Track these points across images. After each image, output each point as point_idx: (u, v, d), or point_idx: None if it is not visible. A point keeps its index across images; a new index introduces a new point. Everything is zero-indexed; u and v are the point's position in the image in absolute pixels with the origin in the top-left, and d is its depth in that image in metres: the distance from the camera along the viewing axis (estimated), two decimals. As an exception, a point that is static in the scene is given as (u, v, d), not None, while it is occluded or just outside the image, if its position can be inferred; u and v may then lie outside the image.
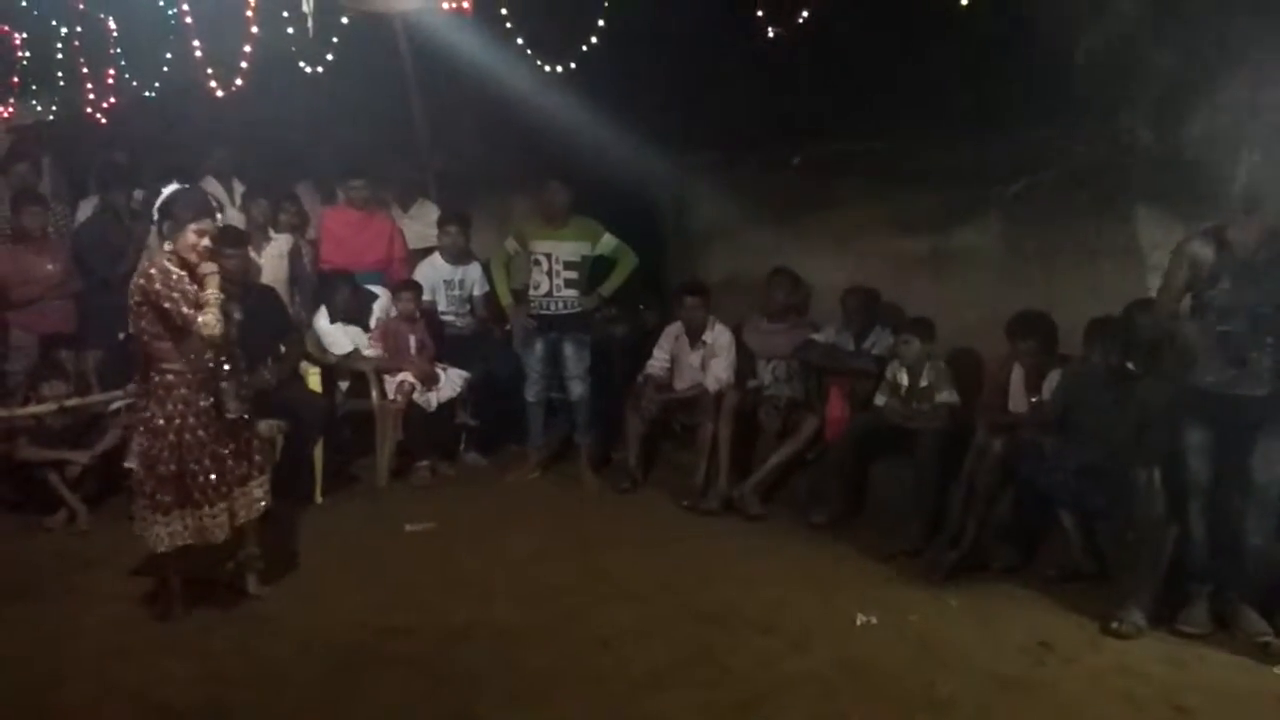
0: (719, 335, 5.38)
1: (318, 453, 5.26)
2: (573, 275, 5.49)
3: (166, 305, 3.51)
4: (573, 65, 5.41)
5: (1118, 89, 4.24)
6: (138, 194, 6.08)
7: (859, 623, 3.75)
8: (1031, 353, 4.45)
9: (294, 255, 5.92)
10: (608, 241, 5.57)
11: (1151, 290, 4.39)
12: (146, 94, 6.17)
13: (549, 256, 5.50)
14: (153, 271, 3.57)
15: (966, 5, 3.90)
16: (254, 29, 5.30)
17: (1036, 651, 3.48)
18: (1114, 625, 3.62)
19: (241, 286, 5.18)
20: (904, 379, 4.90)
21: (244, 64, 5.49)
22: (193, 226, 3.55)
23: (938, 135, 4.86)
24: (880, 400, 4.97)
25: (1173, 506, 3.67)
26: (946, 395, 4.76)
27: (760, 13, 4.25)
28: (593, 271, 5.60)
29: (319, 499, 5.25)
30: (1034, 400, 4.43)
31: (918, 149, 4.99)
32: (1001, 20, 4.20)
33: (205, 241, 3.55)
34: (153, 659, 3.45)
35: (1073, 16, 4.30)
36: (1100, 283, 4.61)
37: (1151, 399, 3.84)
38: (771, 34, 4.33)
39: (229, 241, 5.15)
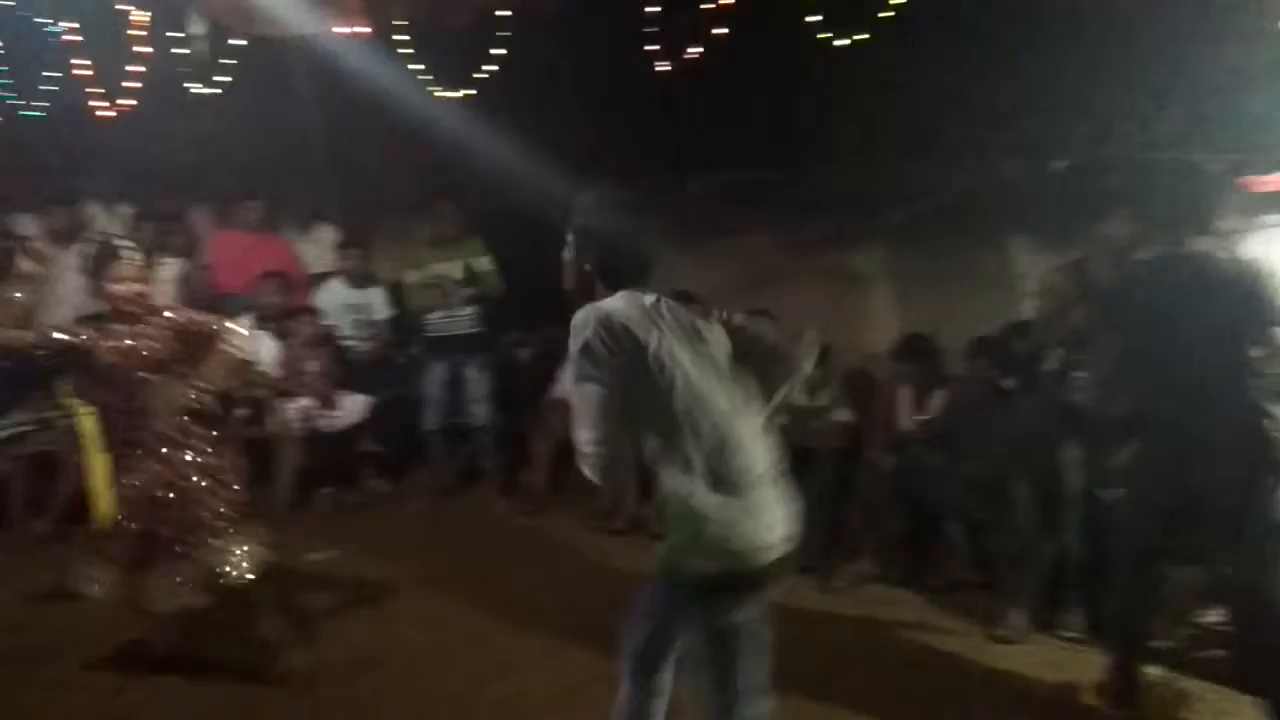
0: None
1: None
2: (468, 293, 5.54)
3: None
4: (472, 91, 5.45)
5: (986, 126, 4.52)
6: (18, 219, 5.86)
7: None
8: (916, 374, 4.66)
9: (185, 280, 5.79)
10: (484, 262, 5.70)
11: (1026, 312, 4.70)
12: (30, 114, 5.94)
13: (443, 278, 5.53)
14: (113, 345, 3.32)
15: (850, 45, 4.11)
16: (142, 49, 5.19)
17: (924, 658, 3.65)
18: (999, 632, 3.81)
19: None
20: (802, 399, 5.05)
21: (133, 84, 5.36)
22: (111, 281, 3.32)
23: (828, 166, 5.08)
24: (780, 420, 5.09)
25: (1048, 518, 3.90)
26: (842, 414, 4.94)
27: (654, 47, 4.39)
28: None
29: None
30: (920, 419, 4.64)
31: (810, 179, 5.19)
32: (885, 60, 4.43)
33: (130, 285, 3.31)
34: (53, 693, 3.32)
35: (943, 59, 4.56)
36: (981, 306, 4.87)
37: (1026, 415, 4.08)
38: (660, 68, 4.48)
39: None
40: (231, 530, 3.38)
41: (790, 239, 5.55)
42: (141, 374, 3.30)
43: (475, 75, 5.26)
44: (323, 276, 6.18)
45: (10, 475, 4.94)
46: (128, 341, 3.30)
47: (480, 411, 5.60)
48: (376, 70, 5.63)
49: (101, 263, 3.33)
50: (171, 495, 3.30)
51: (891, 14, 4.22)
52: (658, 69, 4.39)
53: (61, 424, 5.14)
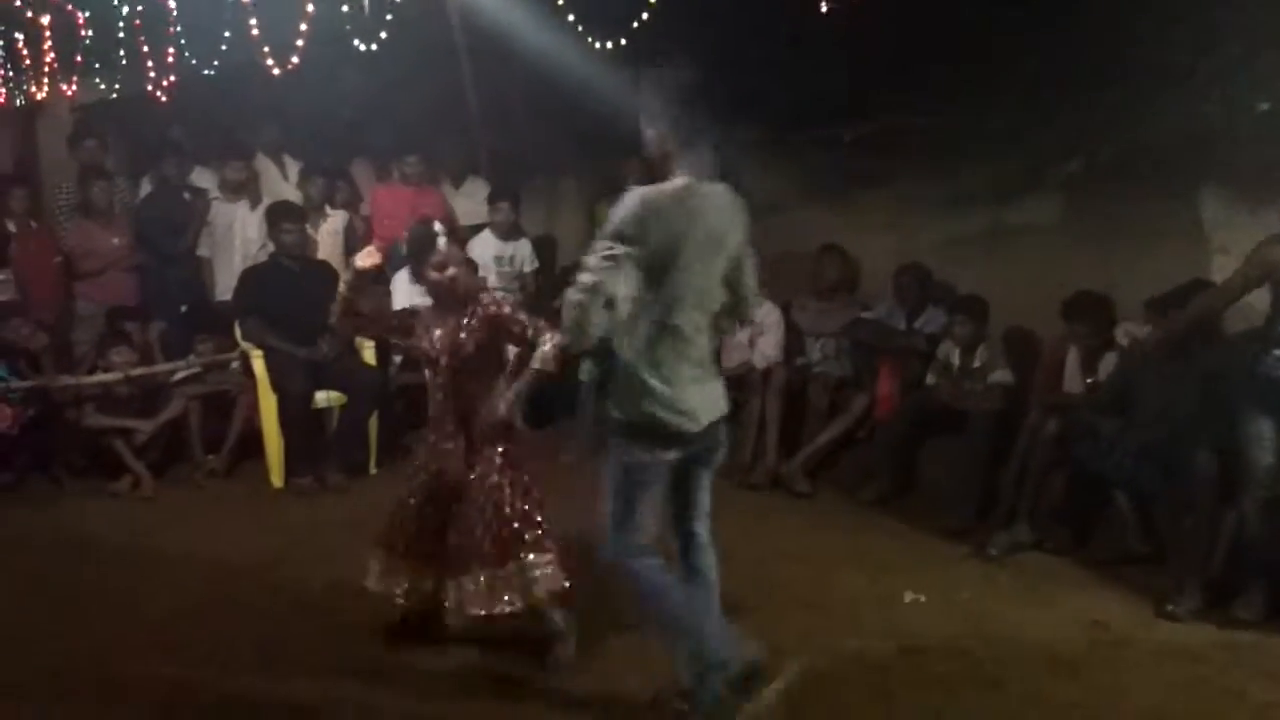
0: (767, 313, 5.36)
1: (372, 425, 5.35)
2: None
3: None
4: (623, 41, 5.38)
5: (1191, 56, 4.10)
6: (197, 171, 6.23)
7: (908, 600, 3.74)
8: (1088, 334, 4.38)
9: (349, 232, 6.02)
10: None
11: (1213, 271, 4.33)
12: (205, 72, 6.27)
13: None
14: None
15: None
16: (309, 6, 5.36)
17: (1089, 632, 3.46)
18: (1168, 608, 3.57)
19: (299, 262, 5.30)
20: (956, 359, 4.86)
21: (300, 42, 5.56)
22: (431, 266, 3.16)
23: (994, 108, 4.77)
24: (932, 380, 4.93)
25: (1230, 491, 3.61)
26: (1000, 375, 4.72)
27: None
28: None
29: (373, 470, 5.36)
30: (1090, 381, 4.37)
31: (972, 123, 4.90)
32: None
33: (450, 271, 3.16)
34: (217, 620, 3.56)
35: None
36: (1161, 263, 4.51)
37: (1212, 380, 3.77)
38: (825, 7, 4.27)
39: (285, 216, 5.29)
40: (546, 541, 3.12)
41: (951, 187, 5.27)
42: (462, 366, 3.14)
43: (628, 24, 5.18)
44: (475, 229, 6.31)
45: (187, 413, 5.27)
46: (445, 336, 3.15)
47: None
48: (530, 22, 5.63)
49: (421, 248, 3.15)
50: (494, 495, 3.10)
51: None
52: (818, 6, 4.19)
53: (235, 366, 5.48)
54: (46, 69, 6.72)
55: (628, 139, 5.70)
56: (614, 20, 5.22)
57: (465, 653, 3.28)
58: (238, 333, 5.39)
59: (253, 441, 5.29)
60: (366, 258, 3.17)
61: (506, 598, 3.06)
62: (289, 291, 5.19)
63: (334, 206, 6.05)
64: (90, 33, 6.42)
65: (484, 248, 6.10)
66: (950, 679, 3.13)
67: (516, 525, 3.10)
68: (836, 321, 5.40)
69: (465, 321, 3.15)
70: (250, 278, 5.37)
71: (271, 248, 5.41)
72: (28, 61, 6.75)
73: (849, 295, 5.56)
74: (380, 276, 5.55)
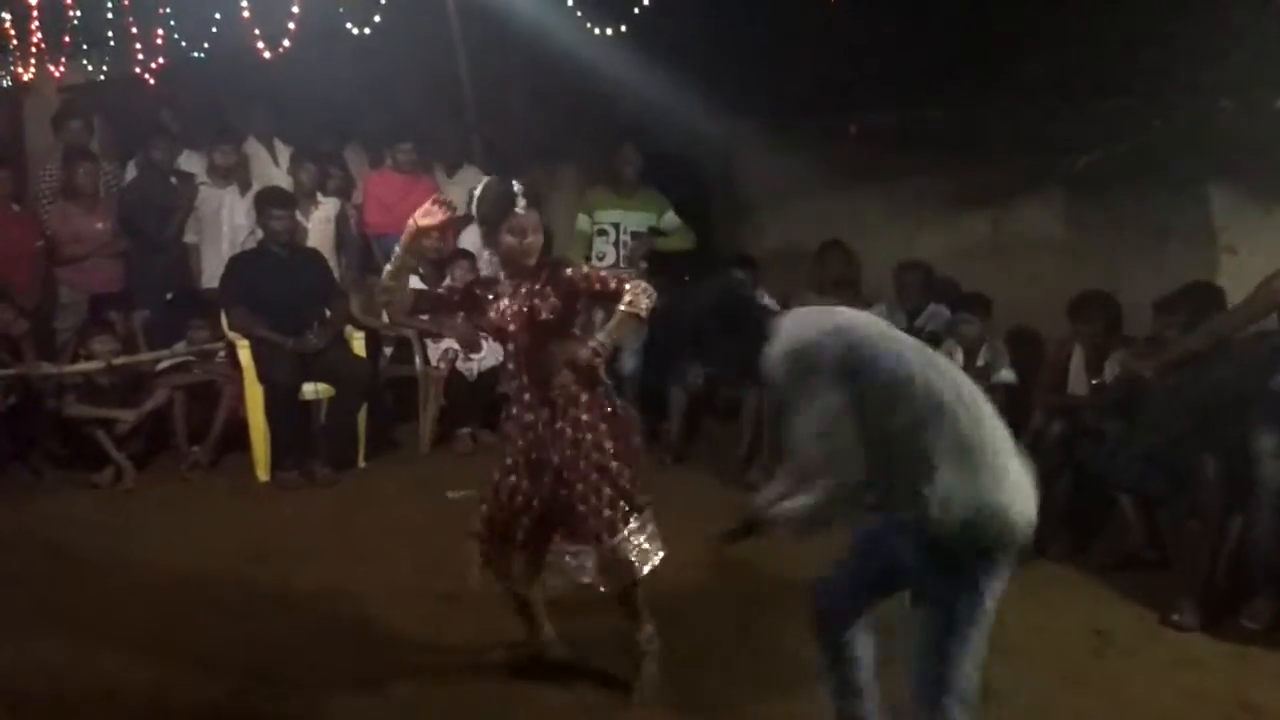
0: (766, 309, 5.26)
1: (361, 417, 5.26)
2: (638, 244, 5.40)
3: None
4: (623, 28, 5.29)
5: (1202, 58, 4.02)
6: (185, 155, 6.10)
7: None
8: (1094, 334, 4.29)
9: (340, 219, 5.92)
10: (670, 219, 5.47)
11: (1219, 271, 4.25)
12: (195, 55, 6.15)
13: (616, 226, 5.41)
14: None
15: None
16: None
17: (1094, 641, 3.37)
18: (1174, 617, 3.49)
19: (288, 250, 5.18)
20: (959, 357, 4.76)
21: (292, 25, 5.45)
22: (508, 230, 2.83)
23: (1002, 106, 4.68)
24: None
25: (1237, 497, 3.53)
26: (1004, 375, 4.63)
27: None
28: None
29: (361, 463, 5.26)
30: (1095, 382, 4.28)
31: (980, 119, 4.81)
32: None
33: (528, 239, 2.82)
34: (199, 619, 3.46)
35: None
36: (1168, 263, 4.44)
37: (1221, 387, 3.68)
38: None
39: (274, 202, 5.18)
40: (637, 516, 2.88)
41: (956, 184, 5.18)
42: (536, 337, 2.84)
43: (628, 10, 5.08)
44: (468, 219, 6.18)
45: (171, 403, 5.16)
46: (516, 305, 2.85)
47: (630, 362, 5.49)
48: (527, 7, 5.53)
49: (498, 209, 2.82)
50: (587, 468, 2.83)
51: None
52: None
53: (221, 355, 5.37)
54: (34, 50, 6.60)
55: (626, 126, 5.67)
56: (614, 6, 5.11)
57: (462, 658, 3.19)
58: (224, 322, 5.28)
59: (238, 433, 5.18)
60: (427, 215, 2.83)
61: (612, 573, 2.84)
62: (277, 280, 5.08)
63: (325, 193, 5.92)
64: (79, 13, 6.30)
65: (477, 237, 5.97)
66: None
67: (626, 484, 2.84)
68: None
69: (538, 288, 2.84)
70: (238, 265, 5.26)
71: (260, 235, 5.28)
72: (15, 42, 6.62)
73: (851, 292, 5.46)
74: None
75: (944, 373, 2.17)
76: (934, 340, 4.93)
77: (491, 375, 5.72)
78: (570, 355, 2.81)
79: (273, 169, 6.11)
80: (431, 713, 2.95)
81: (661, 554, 2.89)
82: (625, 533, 2.82)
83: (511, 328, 2.87)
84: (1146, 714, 2.93)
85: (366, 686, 3.04)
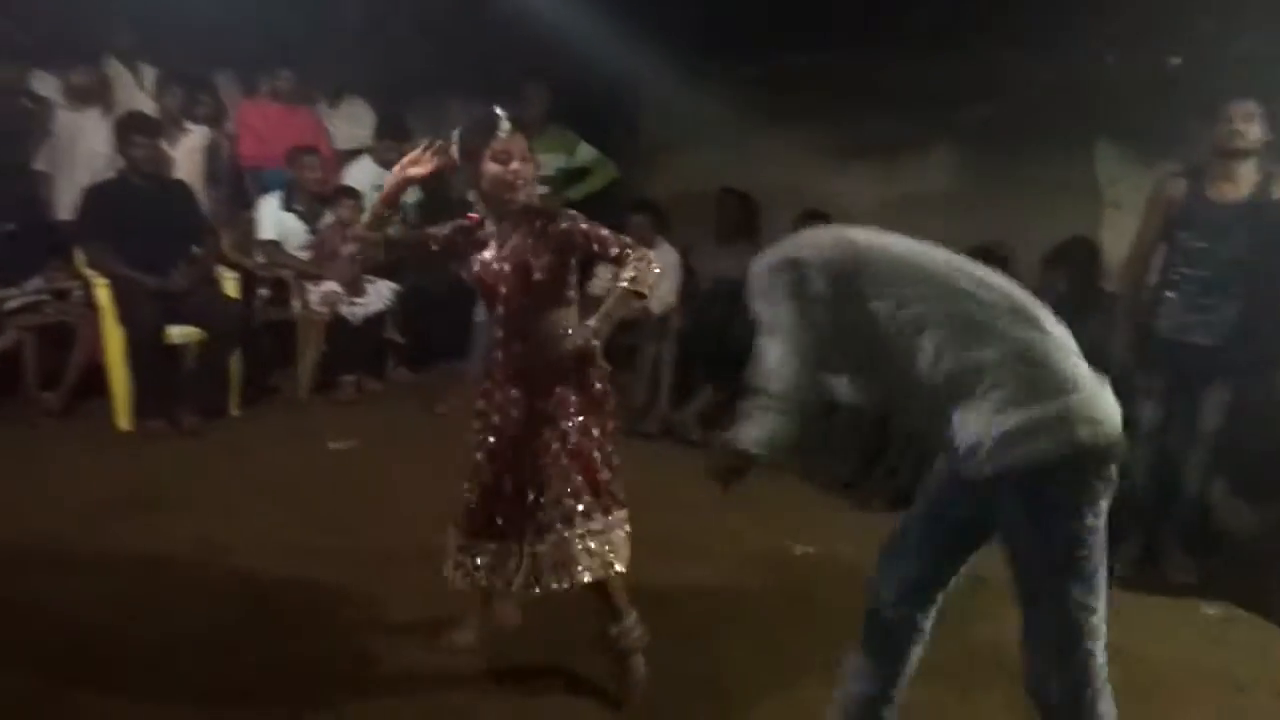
0: (665, 255, 5.15)
1: (234, 362, 4.96)
2: (547, 190, 5.19)
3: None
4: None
5: (1091, 9, 4.06)
6: (37, 75, 5.57)
7: (797, 553, 3.67)
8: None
9: (211, 150, 5.54)
10: (585, 152, 5.29)
11: (1104, 226, 4.35)
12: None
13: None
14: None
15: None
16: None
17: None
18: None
19: (152, 181, 4.82)
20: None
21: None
22: (490, 156, 2.49)
23: (900, 56, 4.64)
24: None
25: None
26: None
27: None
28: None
29: (234, 411, 4.98)
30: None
31: (879, 70, 4.77)
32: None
33: (513, 165, 2.49)
34: (45, 577, 3.19)
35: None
36: (1056, 218, 4.50)
37: (1103, 334, 3.76)
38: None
39: (138, 129, 4.82)
40: (616, 507, 2.63)
41: (852, 133, 5.15)
42: (527, 298, 2.52)
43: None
44: (353, 154, 5.88)
45: (21, 345, 4.76)
46: (506, 260, 2.52)
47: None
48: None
49: (477, 135, 2.49)
50: (559, 453, 2.54)
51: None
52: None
53: (77, 295, 4.97)
54: None
55: (526, 64, 5.43)
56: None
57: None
58: (79, 258, 4.88)
59: (96, 379, 4.81)
60: (417, 164, 2.53)
61: (581, 566, 2.54)
62: (140, 213, 4.72)
63: (195, 121, 5.53)
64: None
65: (364, 175, 5.69)
66: (838, 630, 3.04)
67: (604, 476, 2.58)
68: (735, 267, 5.23)
69: (530, 240, 2.51)
70: (96, 196, 4.84)
71: (121, 164, 4.88)
72: None
73: (748, 241, 5.41)
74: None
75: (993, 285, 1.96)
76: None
77: (378, 320, 5.48)
78: (560, 328, 2.51)
79: (137, 93, 5.65)
80: (303, 667, 2.80)
81: (619, 567, 2.61)
82: (582, 530, 2.55)
83: (502, 289, 2.53)
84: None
85: (236, 643, 2.86)
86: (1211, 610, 3.43)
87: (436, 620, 2.97)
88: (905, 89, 4.71)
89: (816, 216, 5.12)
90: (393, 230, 2.68)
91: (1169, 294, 3.54)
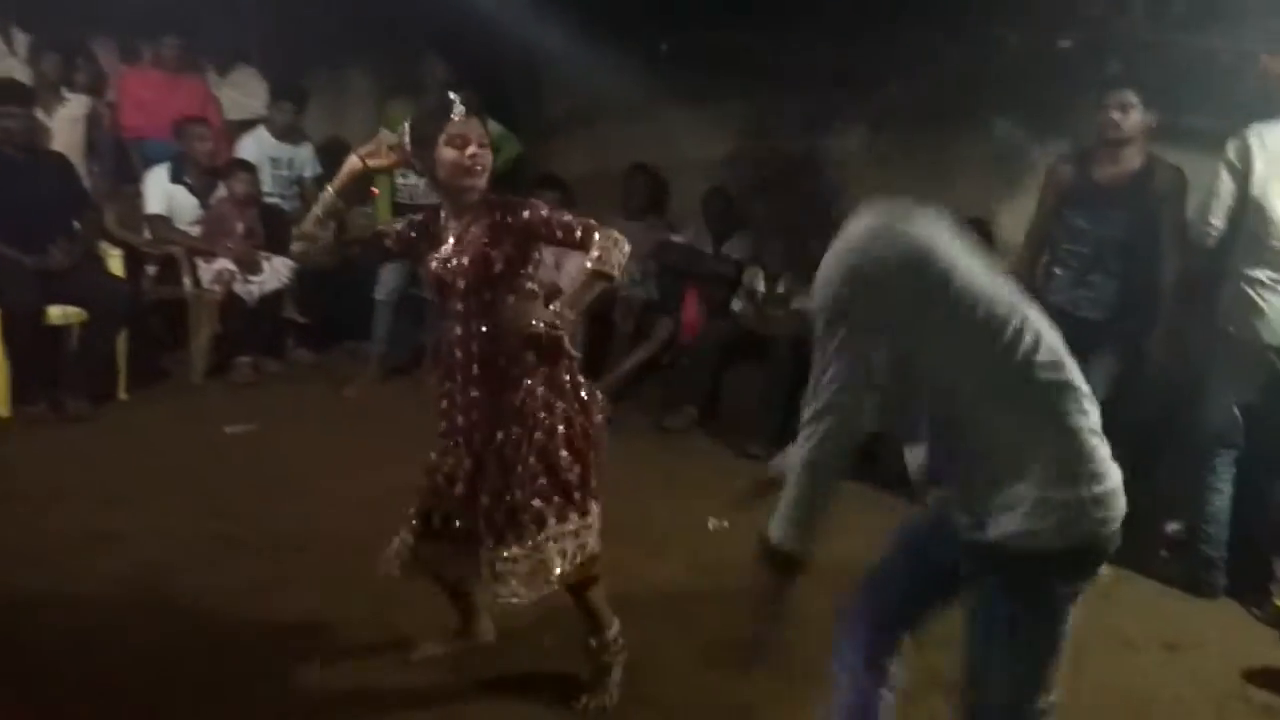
0: (574, 232, 5.11)
1: (121, 344, 4.72)
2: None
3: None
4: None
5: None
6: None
7: (711, 527, 3.67)
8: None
9: (91, 120, 5.24)
10: (490, 127, 5.12)
11: (1001, 207, 4.47)
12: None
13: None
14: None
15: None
16: None
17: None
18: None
19: (26, 152, 4.53)
20: (761, 285, 4.83)
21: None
22: (446, 142, 2.35)
23: (812, 35, 4.66)
24: (737, 306, 4.89)
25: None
26: (803, 301, 4.70)
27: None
28: None
29: (123, 395, 4.74)
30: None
31: (790, 48, 4.78)
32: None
33: (470, 150, 2.35)
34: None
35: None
36: (959, 198, 4.58)
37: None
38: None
39: (9, 97, 4.54)
40: (591, 508, 2.50)
41: (761, 112, 5.15)
42: (486, 291, 2.36)
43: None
44: (245, 125, 5.64)
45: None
46: (463, 254, 2.36)
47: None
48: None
49: (430, 121, 2.36)
50: (526, 452, 2.38)
51: None
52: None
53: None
54: None
55: (427, 34, 5.26)
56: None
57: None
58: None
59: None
60: (376, 157, 2.40)
61: (558, 571, 2.41)
62: (13, 187, 4.44)
63: (73, 89, 5.23)
64: None
65: (257, 147, 5.47)
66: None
67: (574, 475, 2.42)
68: (644, 244, 5.22)
69: (490, 232, 2.37)
70: (-37, 169, 4.53)
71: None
72: None
73: (658, 217, 5.39)
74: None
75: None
76: (738, 266, 4.97)
77: (275, 299, 5.28)
78: (523, 318, 2.29)
79: (9, 59, 5.33)
80: (202, 655, 2.70)
81: (594, 570, 2.52)
82: (552, 532, 2.40)
83: (460, 283, 2.36)
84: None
85: (127, 637, 2.74)
86: (1101, 571, 3.57)
87: (341, 610, 2.89)
88: (816, 71, 4.74)
89: (723, 194, 5.16)
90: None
91: (1057, 270, 3.70)
